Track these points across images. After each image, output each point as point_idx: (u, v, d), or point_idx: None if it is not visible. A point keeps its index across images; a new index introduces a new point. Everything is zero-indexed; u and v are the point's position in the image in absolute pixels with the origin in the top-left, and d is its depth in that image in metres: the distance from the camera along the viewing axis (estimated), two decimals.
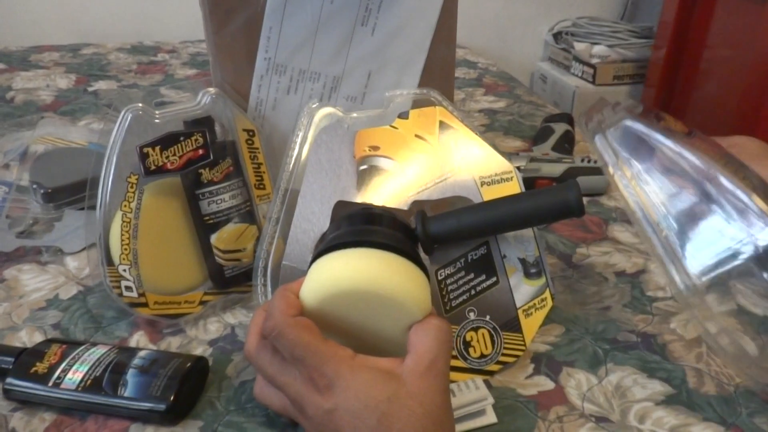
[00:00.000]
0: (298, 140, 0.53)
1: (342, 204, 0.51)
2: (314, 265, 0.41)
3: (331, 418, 0.36)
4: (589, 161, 0.78)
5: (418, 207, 0.51)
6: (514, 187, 0.53)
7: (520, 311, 0.50)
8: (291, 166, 0.52)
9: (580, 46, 1.80)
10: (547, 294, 0.51)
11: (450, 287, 0.50)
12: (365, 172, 0.52)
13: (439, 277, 0.50)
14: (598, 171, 0.77)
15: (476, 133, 0.54)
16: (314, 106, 0.54)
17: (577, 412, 0.46)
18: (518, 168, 0.77)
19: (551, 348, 0.52)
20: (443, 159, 0.53)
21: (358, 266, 0.39)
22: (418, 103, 0.57)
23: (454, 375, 0.48)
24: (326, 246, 0.41)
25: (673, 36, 1.61)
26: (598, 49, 1.77)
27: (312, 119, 0.53)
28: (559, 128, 0.89)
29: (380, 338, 0.41)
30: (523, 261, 0.51)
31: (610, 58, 1.77)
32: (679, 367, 0.50)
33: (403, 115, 0.54)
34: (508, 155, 0.80)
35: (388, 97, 0.57)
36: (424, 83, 0.64)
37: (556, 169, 0.77)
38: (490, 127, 1.02)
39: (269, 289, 0.50)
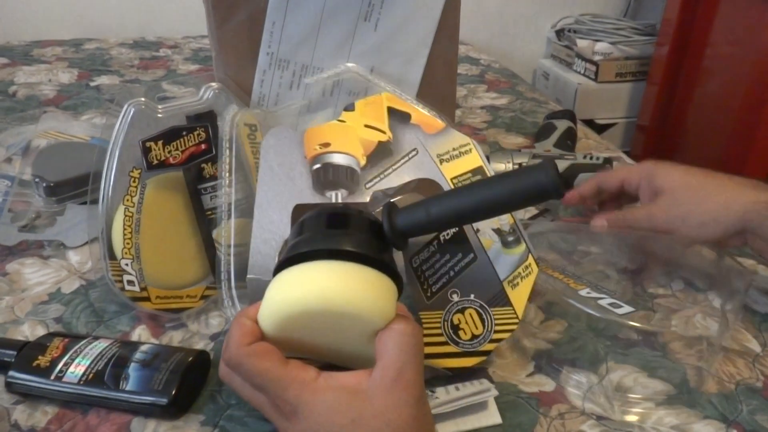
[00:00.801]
0: (226, 149, 0.53)
1: (300, 207, 0.49)
2: (269, 285, 0.40)
3: None
4: (591, 158, 0.78)
5: (380, 197, 0.50)
6: (475, 159, 0.52)
7: (505, 283, 0.49)
8: (227, 180, 0.52)
9: (582, 43, 1.80)
10: (530, 260, 0.49)
11: (427, 273, 0.48)
12: (319, 171, 0.50)
13: (414, 265, 0.48)
14: (600, 167, 0.77)
15: (426, 111, 0.53)
16: (234, 111, 0.54)
17: (578, 410, 0.46)
18: (520, 165, 0.77)
19: (552, 346, 0.52)
20: (397, 144, 0.52)
21: (309, 284, 0.37)
22: (353, 84, 0.54)
23: (449, 361, 0.47)
24: (281, 261, 0.39)
25: (676, 33, 1.60)
26: (600, 47, 1.76)
27: (233, 124, 0.53)
28: (561, 125, 0.89)
29: (348, 349, 0.40)
30: (498, 231, 0.50)
31: (613, 55, 1.76)
32: (680, 365, 0.50)
33: (349, 108, 0.52)
34: (510, 152, 0.80)
35: (308, 85, 0.54)
36: (427, 79, 0.64)
37: (558, 166, 0.76)
38: (492, 124, 1.02)
39: (237, 303, 0.49)
